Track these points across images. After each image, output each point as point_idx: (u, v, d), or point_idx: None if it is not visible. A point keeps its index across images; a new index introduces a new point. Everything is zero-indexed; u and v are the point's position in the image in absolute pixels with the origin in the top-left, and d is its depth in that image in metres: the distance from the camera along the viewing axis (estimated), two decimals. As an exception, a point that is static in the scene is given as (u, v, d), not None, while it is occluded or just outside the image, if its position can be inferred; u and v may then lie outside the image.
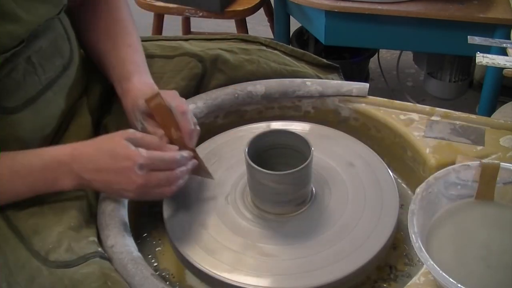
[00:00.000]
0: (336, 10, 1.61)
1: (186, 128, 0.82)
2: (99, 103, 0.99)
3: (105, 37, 0.97)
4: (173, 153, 0.80)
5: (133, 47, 0.96)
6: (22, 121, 0.84)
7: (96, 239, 0.77)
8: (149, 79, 0.93)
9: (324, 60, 1.13)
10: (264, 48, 1.10)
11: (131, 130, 0.80)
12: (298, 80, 1.03)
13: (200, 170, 0.86)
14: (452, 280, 0.63)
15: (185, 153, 0.81)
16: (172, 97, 0.85)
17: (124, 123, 0.95)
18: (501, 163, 0.76)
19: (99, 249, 0.75)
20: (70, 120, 0.93)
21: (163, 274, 0.83)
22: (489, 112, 1.65)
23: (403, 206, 0.89)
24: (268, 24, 2.24)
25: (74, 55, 0.94)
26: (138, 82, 0.90)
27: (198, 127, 0.86)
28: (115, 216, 0.81)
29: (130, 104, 0.88)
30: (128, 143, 0.77)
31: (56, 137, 0.91)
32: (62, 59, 0.91)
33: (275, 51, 1.10)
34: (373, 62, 2.24)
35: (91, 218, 0.82)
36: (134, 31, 0.99)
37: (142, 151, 0.77)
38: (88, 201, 0.83)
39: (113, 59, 0.94)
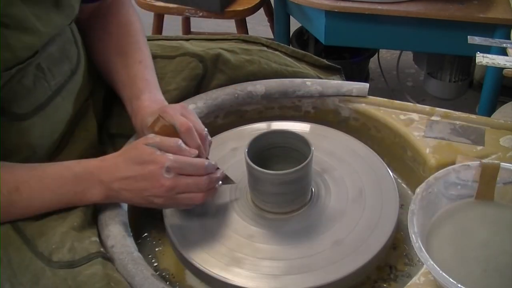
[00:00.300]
0: (336, 10, 1.61)
1: (192, 146, 0.80)
2: (103, 106, 1.00)
3: (115, 53, 0.96)
4: (201, 159, 0.79)
5: (143, 63, 0.95)
6: (32, 127, 0.84)
7: (98, 239, 0.77)
8: (159, 95, 0.92)
9: (326, 61, 1.13)
10: (265, 49, 1.10)
11: (150, 135, 0.80)
12: (298, 80, 1.03)
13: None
14: (452, 280, 0.63)
15: (213, 161, 0.81)
16: (178, 112, 0.83)
17: (125, 125, 0.95)
18: (501, 163, 0.76)
19: (102, 249, 0.75)
20: (76, 123, 0.93)
21: (163, 274, 0.83)
22: (489, 112, 1.65)
23: (403, 206, 0.89)
24: (268, 24, 2.24)
25: (81, 59, 0.94)
26: (148, 100, 0.89)
27: (209, 138, 0.84)
28: (115, 216, 0.81)
29: (139, 123, 0.88)
30: (153, 148, 0.77)
31: (63, 141, 0.91)
32: (70, 63, 0.90)
33: (276, 52, 1.10)
34: (373, 62, 2.24)
35: (92, 219, 0.82)
36: (145, 45, 0.99)
37: (169, 154, 0.77)
38: None
39: (124, 76, 0.94)
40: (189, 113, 0.84)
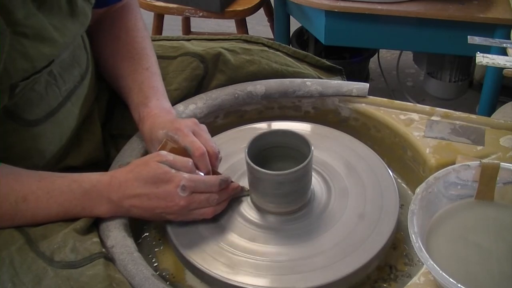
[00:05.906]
0: (336, 10, 1.61)
1: (203, 170, 0.81)
2: (106, 109, 1.00)
3: (122, 58, 0.96)
4: (215, 176, 0.80)
5: (150, 70, 0.95)
6: (43, 133, 0.84)
7: (99, 240, 0.77)
8: (166, 103, 0.92)
9: (327, 62, 1.12)
10: (266, 49, 1.10)
11: (162, 153, 0.80)
12: (298, 80, 1.03)
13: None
14: (452, 280, 0.63)
15: (225, 177, 0.81)
16: (190, 129, 0.83)
17: (125, 126, 0.95)
18: (501, 163, 0.76)
19: (103, 249, 0.75)
20: (82, 127, 0.93)
21: (163, 274, 0.83)
22: (489, 112, 1.65)
23: (403, 206, 0.89)
24: (268, 24, 2.24)
25: (89, 63, 0.94)
26: (156, 107, 0.89)
27: (220, 155, 0.85)
28: (115, 216, 0.81)
29: (148, 133, 0.87)
30: (167, 166, 0.77)
31: (69, 145, 0.90)
32: (80, 68, 0.90)
33: (278, 52, 1.10)
34: (373, 62, 2.24)
35: (94, 221, 0.82)
36: (152, 52, 0.99)
37: (183, 173, 0.77)
38: None
39: (131, 82, 0.94)
40: (201, 129, 0.85)
